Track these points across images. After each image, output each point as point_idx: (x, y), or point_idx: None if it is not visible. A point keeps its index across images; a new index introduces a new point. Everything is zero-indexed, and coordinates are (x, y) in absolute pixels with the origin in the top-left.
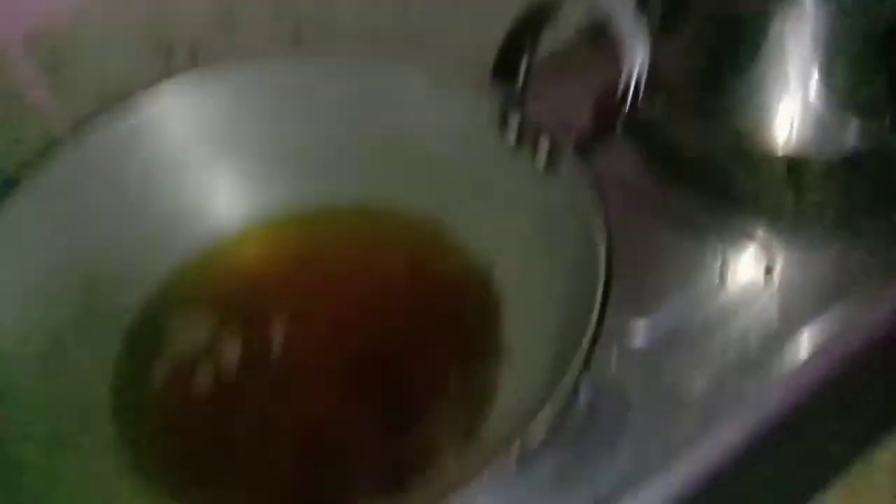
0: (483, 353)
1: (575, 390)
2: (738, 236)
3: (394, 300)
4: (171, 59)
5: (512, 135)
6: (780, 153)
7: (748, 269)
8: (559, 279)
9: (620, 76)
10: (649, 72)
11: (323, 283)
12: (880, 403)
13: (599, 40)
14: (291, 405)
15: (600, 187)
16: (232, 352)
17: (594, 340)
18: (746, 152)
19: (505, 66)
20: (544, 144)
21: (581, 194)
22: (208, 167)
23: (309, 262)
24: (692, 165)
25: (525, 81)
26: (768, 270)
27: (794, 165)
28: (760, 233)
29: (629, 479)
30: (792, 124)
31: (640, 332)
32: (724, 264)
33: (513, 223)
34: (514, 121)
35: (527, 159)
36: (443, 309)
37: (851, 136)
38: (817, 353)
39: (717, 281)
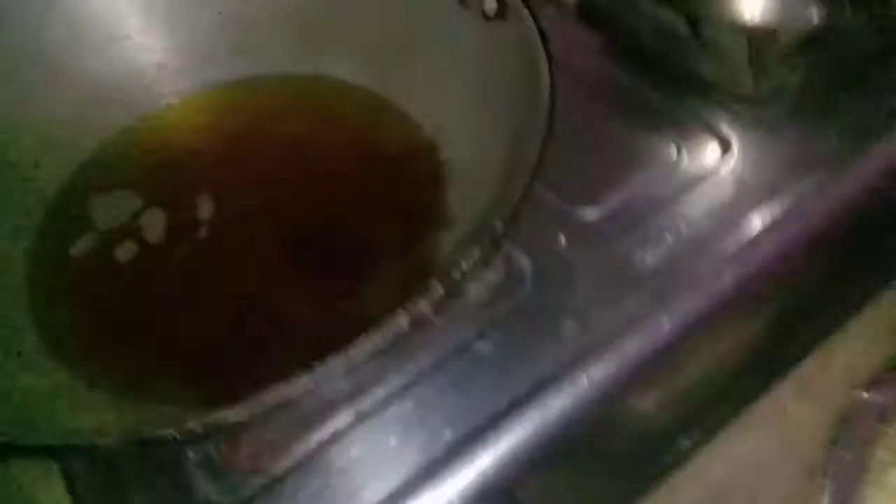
0: (426, 221)
1: (497, 239)
2: (696, 119)
3: (335, 172)
4: None
5: None
6: (739, 34)
7: (705, 149)
8: (503, 146)
9: None
10: None
11: (260, 156)
12: (835, 283)
13: None
14: (222, 275)
15: (546, 40)
16: (158, 225)
17: (526, 187)
18: (705, 35)
19: None
20: None
21: (527, 41)
22: (141, 37)
23: (245, 135)
24: (650, 50)
25: None
26: (725, 150)
27: (754, 46)
28: (718, 115)
29: (576, 355)
30: (751, 5)
31: (592, 209)
32: (681, 146)
33: (459, 91)
34: None
35: (474, 14)
36: (386, 179)
37: (811, 15)
38: (770, 230)
39: (673, 161)
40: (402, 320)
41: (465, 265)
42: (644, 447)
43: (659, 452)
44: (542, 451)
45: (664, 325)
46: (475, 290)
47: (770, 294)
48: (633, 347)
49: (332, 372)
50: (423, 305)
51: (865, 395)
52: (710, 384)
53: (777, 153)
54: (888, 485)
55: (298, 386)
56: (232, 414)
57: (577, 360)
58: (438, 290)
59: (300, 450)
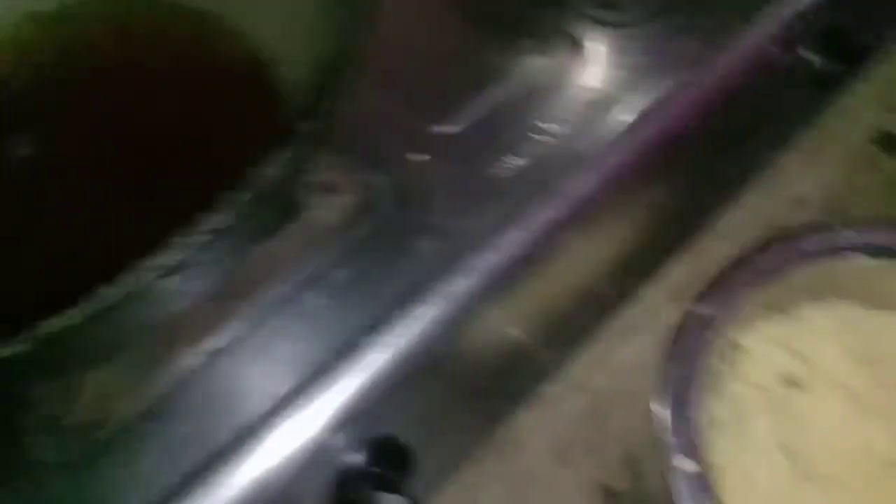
0: (258, 138)
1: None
2: (553, 26)
3: (165, 94)
4: None
5: None
6: None
7: (563, 56)
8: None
9: None
10: None
11: (85, 82)
12: (699, 182)
13: None
14: (41, 209)
15: None
16: None
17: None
18: None
19: None
20: None
21: None
22: None
23: (66, 63)
24: None
25: None
26: (583, 55)
27: None
28: (576, 20)
29: (437, 272)
30: None
31: (451, 123)
32: (539, 53)
33: (294, 7)
34: None
35: None
36: (218, 98)
37: None
38: (629, 132)
39: (532, 69)
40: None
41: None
42: (512, 362)
43: (528, 367)
44: (407, 371)
45: (525, 234)
46: (328, 215)
47: (632, 196)
48: (493, 260)
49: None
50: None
51: (695, 306)
52: (575, 293)
53: (636, 55)
54: (726, 393)
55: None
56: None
57: (439, 277)
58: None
59: (148, 395)
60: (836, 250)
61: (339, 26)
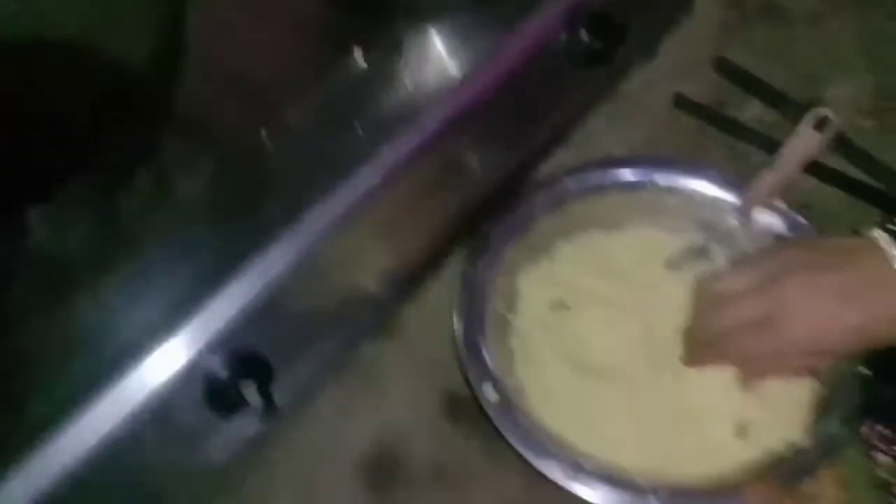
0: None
1: None
2: (374, 23)
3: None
4: None
5: None
6: None
7: (383, 50)
8: None
9: None
10: None
11: None
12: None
13: None
14: None
15: None
16: None
17: None
18: None
19: None
20: None
21: None
22: None
23: None
24: None
25: None
26: (397, 47)
27: None
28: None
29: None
30: None
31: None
32: (361, 49)
33: None
34: None
35: None
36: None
37: None
38: (439, 114)
39: (355, 65)
40: None
41: None
42: (356, 297)
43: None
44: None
45: (349, 196)
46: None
47: (454, 155)
48: (327, 212)
49: None
50: None
51: (469, 267)
52: (400, 250)
53: (453, 40)
54: (513, 329)
55: None
56: None
57: (281, 232)
58: None
59: None
60: (580, 190)
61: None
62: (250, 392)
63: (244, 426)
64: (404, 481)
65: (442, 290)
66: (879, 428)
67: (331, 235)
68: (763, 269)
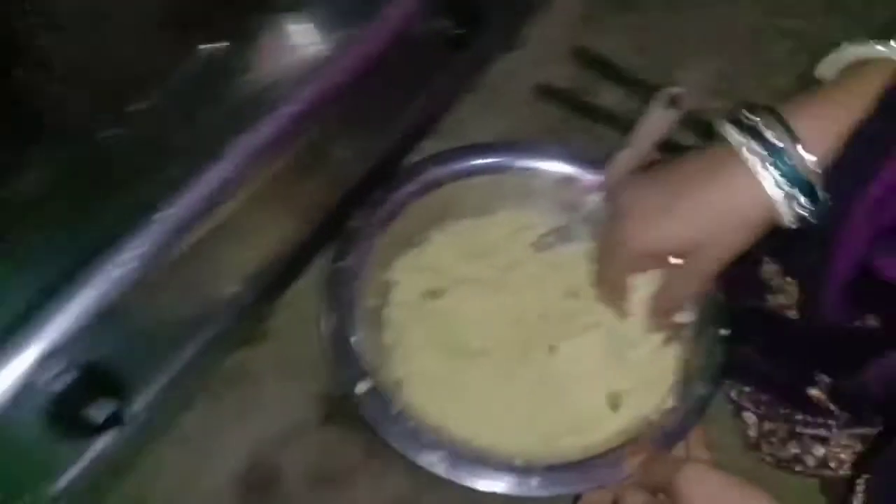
0: None
1: None
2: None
3: None
4: None
5: None
6: None
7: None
8: None
9: None
10: None
11: None
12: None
13: None
14: None
15: None
16: None
17: None
18: None
19: None
20: None
21: None
22: None
23: None
24: None
25: None
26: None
27: None
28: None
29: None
30: None
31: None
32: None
33: None
34: None
35: None
36: None
37: None
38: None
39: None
40: None
41: None
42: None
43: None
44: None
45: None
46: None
47: (316, 144)
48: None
49: None
50: None
51: (337, 263)
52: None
53: (310, 30)
54: (385, 321)
55: None
56: None
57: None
58: None
59: None
60: (447, 178)
61: None
62: (98, 411)
63: (97, 448)
64: (284, 494)
65: (311, 288)
66: (746, 389)
67: (182, 235)
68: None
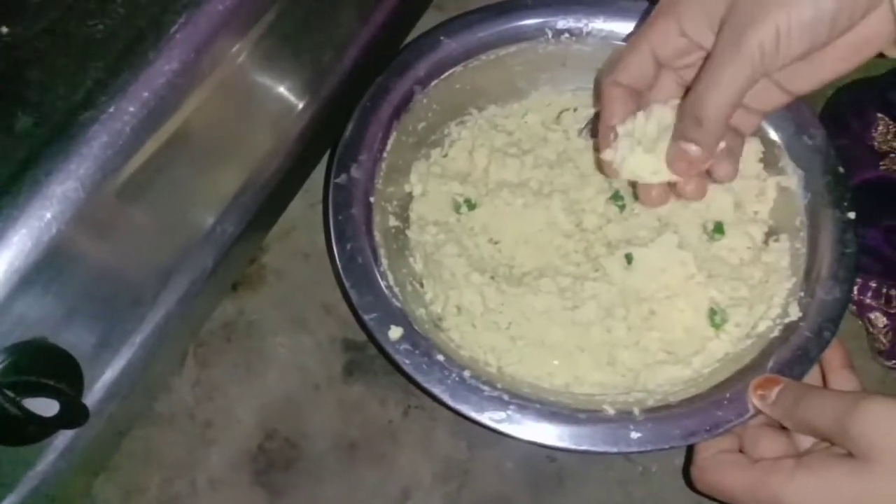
0: None
1: None
2: None
3: None
4: None
5: None
6: None
7: None
8: None
9: None
10: None
11: None
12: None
13: None
14: None
15: None
16: None
17: None
18: None
19: None
20: None
21: None
22: None
23: None
24: None
25: None
26: None
27: None
28: None
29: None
30: None
31: None
32: None
33: None
34: None
35: None
36: None
37: None
38: None
39: None
40: None
41: None
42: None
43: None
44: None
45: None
46: None
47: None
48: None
49: None
50: None
51: (340, 177)
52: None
53: None
54: (412, 246)
55: None
56: None
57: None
58: None
59: None
60: (461, 54)
61: None
62: (44, 402)
63: (58, 447)
64: (305, 469)
65: (310, 212)
66: (872, 283)
67: (131, 144)
68: None
